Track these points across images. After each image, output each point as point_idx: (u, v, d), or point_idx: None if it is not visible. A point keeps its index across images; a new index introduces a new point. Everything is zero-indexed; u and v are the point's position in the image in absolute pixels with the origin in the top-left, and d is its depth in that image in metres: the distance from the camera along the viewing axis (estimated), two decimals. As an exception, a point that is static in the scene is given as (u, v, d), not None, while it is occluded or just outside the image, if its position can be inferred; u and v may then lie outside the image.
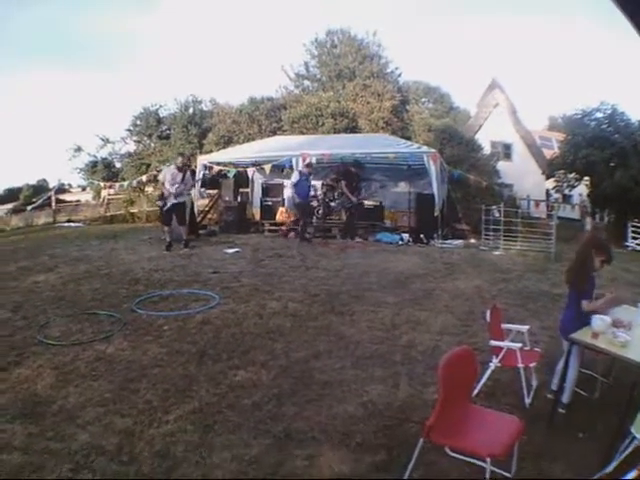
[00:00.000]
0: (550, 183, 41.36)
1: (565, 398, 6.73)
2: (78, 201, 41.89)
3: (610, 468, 5.14)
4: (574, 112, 37.17)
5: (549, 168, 40.20)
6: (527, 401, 6.99)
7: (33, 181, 74.38)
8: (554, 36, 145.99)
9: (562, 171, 37.38)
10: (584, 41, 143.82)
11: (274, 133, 36.76)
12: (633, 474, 4.48)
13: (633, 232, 30.62)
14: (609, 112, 34.92)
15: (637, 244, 29.72)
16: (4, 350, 8.40)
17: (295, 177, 19.90)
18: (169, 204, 17.32)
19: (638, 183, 31.26)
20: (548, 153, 44.12)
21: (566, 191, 39.68)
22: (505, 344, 7.30)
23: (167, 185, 17.29)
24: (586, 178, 35.89)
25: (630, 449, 5.14)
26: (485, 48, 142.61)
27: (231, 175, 23.73)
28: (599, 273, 7.27)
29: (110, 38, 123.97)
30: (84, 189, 53.23)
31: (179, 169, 17.49)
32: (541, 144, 47.73)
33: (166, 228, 17.65)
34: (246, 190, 27.30)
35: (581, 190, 39.35)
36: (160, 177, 18.29)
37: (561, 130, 43.81)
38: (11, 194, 68.28)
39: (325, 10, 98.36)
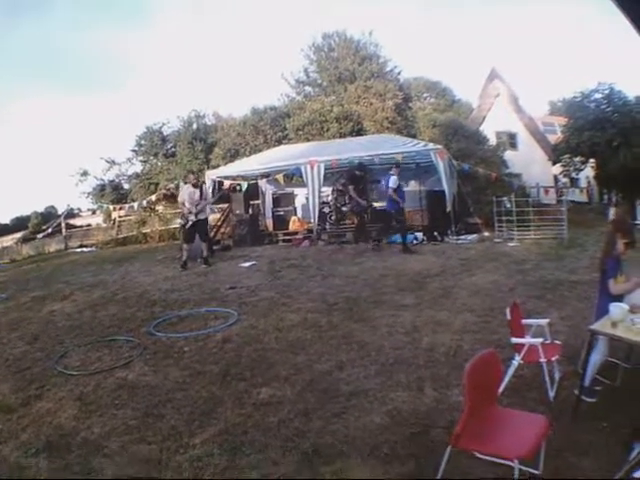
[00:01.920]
0: (557, 168, 41.40)
1: (586, 382, 6.67)
2: (89, 225, 41.93)
3: (634, 456, 5.03)
4: (573, 95, 37.30)
5: (554, 153, 40.31)
6: (551, 394, 6.94)
7: (41, 208, 74.59)
8: (546, 22, 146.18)
9: (567, 155, 37.52)
10: (576, 23, 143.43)
11: (280, 142, 36.80)
12: None
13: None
14: (607, 92, 35.00)
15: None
16: (23, 384, 8.37)
17: (394, 182, 19.27)
18: (190, 222, 17.33)
19: None
20: (552, 138, 44.23)
21: (573, 175, 39.81)
22: (526, 340, 7.24)
23: (187, 204, 17.34)
24: (592, 160, 35.81)
25: None
26: (481, 39, 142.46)
27: (244, 189, 23.69)
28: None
29: (106, 57, 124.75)
30: (94, 212, 53.42)
31: (194, 186, 17.57)
32: (545, 130, 47.66)
33: (186, 246, 17.66)
34: (257, 202, 27.24)
35: (588, 172, 39.29)
36: (179, 198, 18.28)
37: (562, 114, 43.71)
38: (20, 223, 68.81)
39: (319, 13, 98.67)
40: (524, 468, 4.88)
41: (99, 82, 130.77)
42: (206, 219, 18.19)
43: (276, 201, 26.01)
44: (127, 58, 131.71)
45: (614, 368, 7.22)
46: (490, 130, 41.41)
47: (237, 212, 24.14)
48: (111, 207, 37.09)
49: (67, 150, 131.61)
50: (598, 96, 35.35)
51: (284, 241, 23.18)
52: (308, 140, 34.51)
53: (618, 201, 35.75)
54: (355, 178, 21.59)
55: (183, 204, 17.60)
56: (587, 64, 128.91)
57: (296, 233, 23.48)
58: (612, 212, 28.98)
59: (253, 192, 26.34)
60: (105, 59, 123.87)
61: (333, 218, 23.26)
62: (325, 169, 21.96)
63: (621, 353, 7.31)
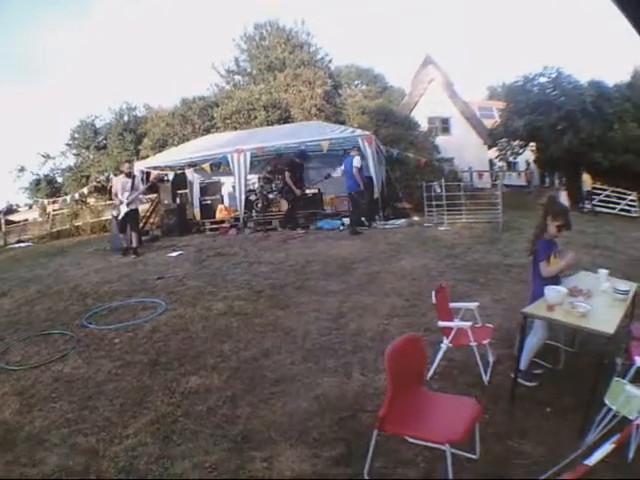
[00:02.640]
0: (493, 153, 41.64)
1: (522, 365, 6.82)
2: (26, 220, 41.46)
3: (589, 441, 5.13)
4: (515, 79, 37.29)
5: (490, 138, 40.43)
6: (486, 378, 7.12)
7: (-20, 206, 73.28)
8: (488, 6, 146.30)
9: (504, 139, 37.64)
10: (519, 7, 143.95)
11: (208, 132, 36.68)
12: (609, 446, 4.23)
13: (589, 193, 31.15)
14: (554, 76, 35.07)
15: (593, 205, 30.19)
16: (-32, 382, 8.41)
17: (358, 162, 19.51)
18: (122, 213, 17.47)
19: (592, 145, 31.63)
20: (489, 123, 44.52)
21: (510, 159, 40.03)
22: (454, 324, 7.41)
23: (119, 194, 17.46)
24: (532, 144, 36.19)
25: (607, 419, 5.19)
26: (416, 25, 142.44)
27: (170, 179, 23.73)
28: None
29: (36, 49, 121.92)
30: (31, 207, 52.59)
31: (127, 175, 17.71)
32: (481, 114, 48.11)
33: (122, 235, 17.85)
34: (185, 191, 27.29)
35: (527, 156, 39.71)
36: (113, 189, 18.30)
37: (501, 99, 44.05)
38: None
39: (251, 2, 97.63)
40: (458, 452, 5.12)
41: (28, 74, 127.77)
42: (137, 209, 18.29)
43: (203, 190, 26.02)
44: (56, 51, 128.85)
45: (556, 351, 7.46)
46: (422, 116, 41.68)
47: (165, 202, 24.16)
48: (45, 201, 36.75)
49: (5, 145, 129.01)
50: (543, 80, 35.43)
51: (211, 230, 23.21)
52: (236, 129, 34.51)
53: (562, 184, 36.09)
54: (294, 165, 21.96)
55: (116, 195, 17.70)
56: (529, 48, 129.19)
57: (223, 222, 23.56)
58: (563, 195, 29.30)
59: (181, 182, 26.39)
60: (35, 51, 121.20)
61: (259, 206, 23.32)
62: (252, 157, 22.03)
63: (564, 337, 7.56)
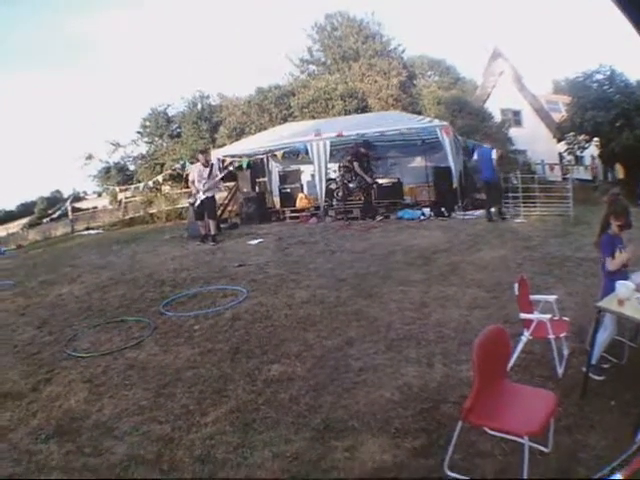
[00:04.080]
0: (561, 146, 41.14)
1: (593, 359, 6.66)
2: (95, 208, 41.95)
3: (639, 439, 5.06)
4: (576, 75, 36.87)
5: (559, 131, 39.93)
6: (560, 371, 6.95)
7: (47, 193, 74.08)
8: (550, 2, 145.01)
9: (572, 134, 37.10)
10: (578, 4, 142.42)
11: (285, 120, 36.54)
12: None
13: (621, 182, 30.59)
14: (608, 74, 34.70)
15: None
16: (33, 369, 8.36)
17: (495, 154, 19.79)
18: (199, 200, 17.49)
19: None
20: (556, 117, 43.95)
21: (578, 153, 39.46)
22: (535, 316, 7.25)
23: (196, 183, 17.55)
24: (595, 139, 35.76)
25: None
26: (484, 17, 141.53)
27: (244, 165, 23.58)
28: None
29: (106, 38, 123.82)
30: (100, 195, 53.25)
31: (205, 165, 17.76)
32: (549, 108, 47.54)
33: (200, 222, 17.96)
34: (264, 180, 27.39)
35: (592, 151, 39.22)
36: (190, 177, 18.46)
37: (566, 93, 43.55)
38: (25, 209, 68.30)
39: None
40: (534, 445, 4.94)
41: (100, 63, 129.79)
42: (213, 197, 18.24)
43: (283, 178, 26.00)
44: (123, 39, 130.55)
45: (620, 346, 7.25)
46: (495, 107, 41.66)
47: (244, 190, 24.12)
48: (117, 189, 37.05)
49: (71, 133, 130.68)
50: (600, 77, 35.07)
51: (291, 218, 23.20)
52: (313, 118, 34.42)
53: (618, 181, 35.69)
54: (359, 155, 21.75)
55: (193, 183, 17.78)
56: (590, 43, 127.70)
57: (303, 210, 23.52)
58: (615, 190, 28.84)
59: (260, 170, 26.45)
60: (105, 40, 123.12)
61: (340, 195, 23.10)
62: (331, 145, 21.87)
63: (627, 332, 7.35)
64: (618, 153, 32.75)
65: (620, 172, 31.82)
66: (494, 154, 19.48)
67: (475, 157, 21.63)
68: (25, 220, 52.11)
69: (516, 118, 45.17)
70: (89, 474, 5.42)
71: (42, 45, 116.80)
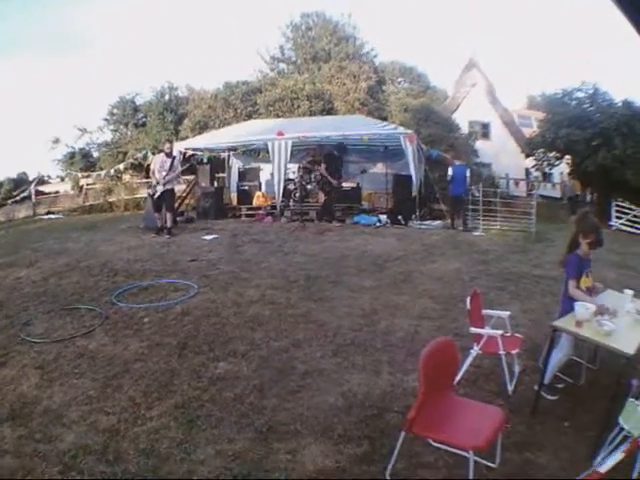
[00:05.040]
0: (529, 162, 41.26)
1: (546, 379, 6.71)
2: (57, 192, 41.76)
3: (599, 460, 5.07)
4: (555, 91, 36.84)
5: (528, 147, 39.98)
6: (510, 388, 7.01)
7: (14, 175, 73.57)
8: (533, 14, 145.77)
9: (542, 150, 37.15)
10: (563, 20, 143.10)
11: (250, 117, 36.64)
12: (619, 455, 4.50)
13: (617, 211, 30.75)
14: (591, 92, 34.68)
15: (621, 224, 29.88)
16: (-13, 351, 8.38)
17: (469, 172, 21.24)
18: (158, 192, 17.46)
19: (623, 162, 31.35)
20: (527, 132, 43.95)
21: (546, 169, 39.56)
22: (485, 331, 7.29)
23: (157, 174, 17.51)
24: (567, 157, 35.97)
25: (618, 440, 5.09)
26: (463, 27, 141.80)
27: (205, 159, 23.65)
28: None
29: (77, 22, 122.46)
30: (63, 180, 52.88)
31: (167, 155, 17.75)
32: (520, 123, 47.61)
33: (157, 214, 17.90)
34: (223, 175, 27.31)
35: (562, 168, 39.44)
36: (151, 166, 18.40)
37: (540, 109, 43.70)
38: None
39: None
40: (479, 460, 5.04)
41: (69, 46, 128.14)
42: (173, 190, 18.25)
43: (242, 175, 25.91)
44: (100, 25, 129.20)
45: (578, 367, 7.33)
46: (463, 119, 41.53)
47: (202, 184, 24.05)
48: (79, 175, 36.99)
49: (43, 117, 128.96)
50: (580, 95, 35.04)
51: (247, 216, 23.11)
52: (278, 116, 34.45)
53: (592, 200, 35.99)
54: (331, 157, 21.85)
55: (153, 173, 17.76)
56: (571, 60, 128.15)
57: (260, 208, 23.42)
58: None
59: (220, 165, 26.47)
60: (80, 26, 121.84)
61: (297, 195, 23.18)
62: (292, 146, 21.87)
63: (586, 353, 7.41)
64: (591, 172, 32.96)
65: (576, 187, 32.15)
66: (468, 172, 20.59)
67: (450, 173, 21.77)
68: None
69: (484, 131, 45.24)
70: (39, 460, 5.51)
71: (13, 30, 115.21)
